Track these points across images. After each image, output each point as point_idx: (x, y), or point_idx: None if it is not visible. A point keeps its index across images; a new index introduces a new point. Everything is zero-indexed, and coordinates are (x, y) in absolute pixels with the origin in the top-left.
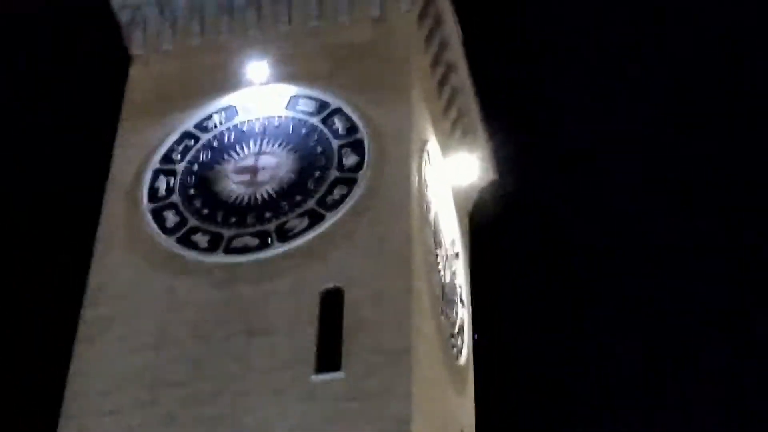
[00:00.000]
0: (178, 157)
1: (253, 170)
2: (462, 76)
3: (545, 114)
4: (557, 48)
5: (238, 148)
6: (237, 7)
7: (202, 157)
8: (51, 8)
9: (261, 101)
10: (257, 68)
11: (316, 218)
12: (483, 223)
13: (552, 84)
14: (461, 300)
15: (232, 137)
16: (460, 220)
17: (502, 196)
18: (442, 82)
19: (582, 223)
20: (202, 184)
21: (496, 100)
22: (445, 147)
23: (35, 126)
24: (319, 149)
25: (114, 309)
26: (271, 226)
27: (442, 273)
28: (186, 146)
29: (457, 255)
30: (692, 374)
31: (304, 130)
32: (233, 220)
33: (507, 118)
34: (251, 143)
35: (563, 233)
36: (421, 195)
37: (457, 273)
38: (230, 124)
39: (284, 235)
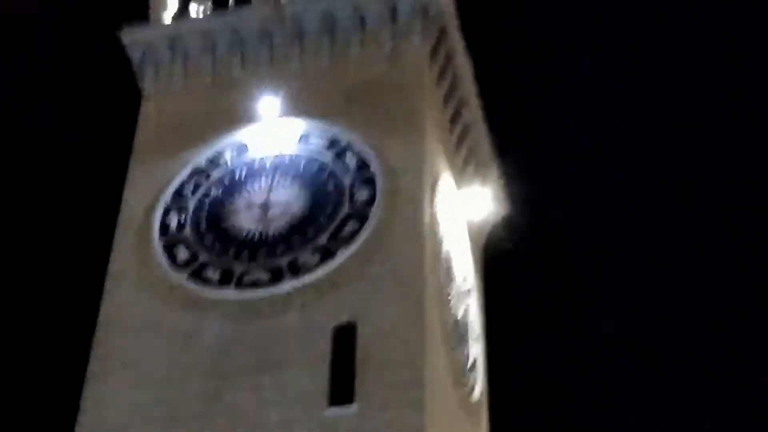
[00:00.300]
0: (190, 192)
1: (265, 206)
2: (474, 112)
3: (559, 147)
4: (574, 78)
5: (249, 184)
6: (249, 44)
7: (213, 192)
8: (62, 43)
9: (272, 137)
10: (269, 104)
11: (327, 254)
12: (496, 257)
13: (566, 117)
14: (474, 336)
15: (244, 173)
16: (474, 255)
17: (515, 230)
18: (455, 118)
19: (597, 254)
20: (213, 220)
21: (509, 133)
22: (458, 182)
23: (49, 166)
24: (330, 185)
25: (125, 345)
26: (283, 262)
27: (454, 309)
28: (197, 182)
29: (469, 291)
30: (693, 376)
31: (315, 166)
32: (244, 255)
33: (520, 151)
34: (262, 179)
35: (579, 267)
36: (434, 231)
37: (470, 308)
38: (241, 161)
39: (296, 270)
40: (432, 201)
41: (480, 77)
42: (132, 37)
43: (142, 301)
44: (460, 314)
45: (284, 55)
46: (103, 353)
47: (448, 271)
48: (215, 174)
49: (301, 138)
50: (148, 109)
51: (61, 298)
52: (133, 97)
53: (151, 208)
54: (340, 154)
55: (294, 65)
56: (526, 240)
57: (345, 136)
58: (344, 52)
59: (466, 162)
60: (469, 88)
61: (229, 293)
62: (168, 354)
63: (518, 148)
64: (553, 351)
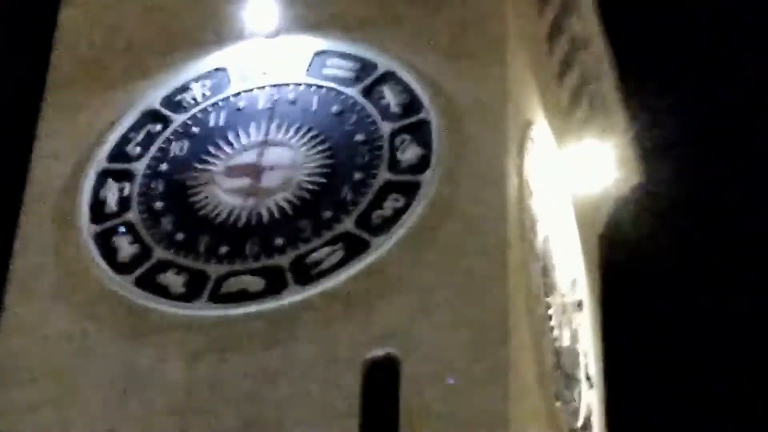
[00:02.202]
0: (137, 150)
1: (256, 171)
2: (588, 19)
3: (716, 81)
4: None
5: (231, 137)
6: None
7: (174, 150)
8: None
9: (267, 62)
10: (262, 11)
11: (355, 246)
12: (622, 252)
13: (722, 39)
14: (587, 375)
15: (222, 119)
16: (586, 249)
17: (652, 209)
18: (557, 29)
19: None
20: (174, 194)
21: (644, 58)
22: (562, 132)
23: None
24: (359, 137)
25: (38, 392)
26: (285, 260)
27: (556, 333)
28: (149, 133)
29: (580, 304)
30: None
31: (335, 107)
32: (224, 249)
33: (660, 86)
34: (252, 129)
35: (743, 264)
36: (523, 210)
37: (581, 332)
38: (219, 99)
39: (306, 273)
40: (520, 163)
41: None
42: None
43: (61, 323)
44: (565, 341)
45: None
46: (4, 402)
47: (547, 273)
48: (178, 120)
49: (312, 62)
50: (69, 18)
51: None
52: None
53: (75, 175)
54: (372, 88)
55: None
56: (668, 226)
57: (382, 60)
58: None
59: (574, 99)
60: None
61: (200, 310)
62: (102, 405)
63: (658, 84)
64: (707, 402)
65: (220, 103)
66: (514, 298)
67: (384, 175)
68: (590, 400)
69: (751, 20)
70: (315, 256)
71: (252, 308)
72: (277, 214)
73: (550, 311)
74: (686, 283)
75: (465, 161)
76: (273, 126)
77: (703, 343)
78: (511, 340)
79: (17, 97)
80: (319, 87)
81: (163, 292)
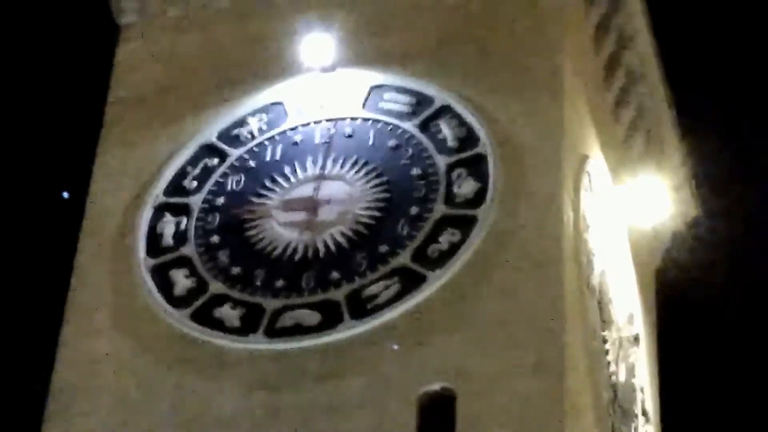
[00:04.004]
0: (194, 184)
1: (312, 205)
2: (645, 54)
3: None
4: None
5: (288, 171)
6: None
7: (231, 184)
8: None
9: (324, 97)
10: (317, 45)
11: (411, 280)
12: (679, 286)
13: None
14: (644, 410)
15: (279, 153)
16: (642, 283)
17: (709, 243)
18: (613, 64)
19: None
20: (231, 228)
21: (700, 91)
22: (618, 166)
23: None
24: (415, 171)
25: (95, 425)
26: (341, 294)
27: (613, 368)
28: (206, 167)
29: (636, 338)
30: None
31: (391, 141)
32: (280, 284)
33: (716, 120)
34: (308, 162)
35: None
36: (579, 244)
37: (638, 367)
38: (275, 133)
39: (361, 307)
40: (576, 197)
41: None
42: None
43: (118, 356)
44: (621, 375)
45: None
46: None
47: (603, 307)
48: (234, 154)
49: (369, 97)
50: (128, 52)
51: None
52: (106, 33)
53: (132, 208)
54: (429, 122)
55: None
56: (724, 260)
57: (438, 94)
58: None
59: (631, 133)
60: (637, 15)
61: (256, 344)
62: None
63: (715, 118)
64: None
65: (277, 137)
66: (571, 332)
67: (440, 208)
68: None
69: None
70: (371, 290)
71: (307, 342)
72: (333, 248)
73: (606, 346)
74: (743, 317)
75: (521, 195)
76: (329, 160)
77: (760, 378)
78: (567, 374)
79: (75, 132)
80: (376, 121)
81: (219, 325)
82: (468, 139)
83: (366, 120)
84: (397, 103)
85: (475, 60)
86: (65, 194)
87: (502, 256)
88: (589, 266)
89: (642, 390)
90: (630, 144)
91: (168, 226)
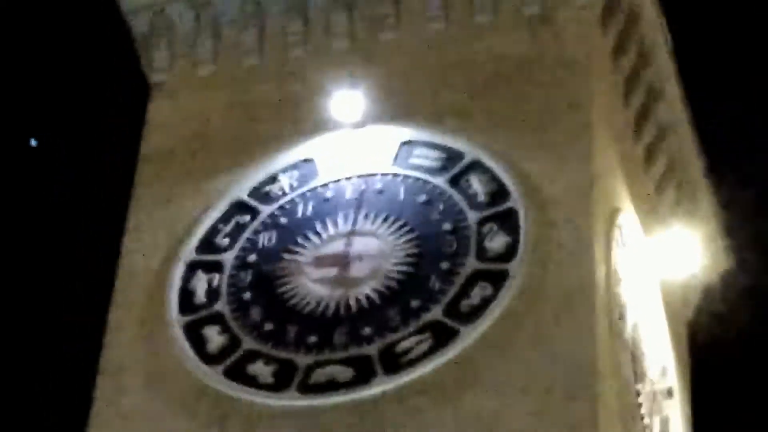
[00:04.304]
0: (226, 242)
1: (344, 261)
2: (674, 107)
3: None
4: None
5: (319, 227)
6: (316, 7)
7: (262, 241)
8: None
9: (354, 153)
10: (348, 101)
11: (444, 335)
12: (712, 339)
13: None
14: None
15: (310, 210)
16: (675, 336)
17: (741, 295)
18: (643, 116)
19: None
20: (263, 284)
21: (731, 143)
22: (649, 218)
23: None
24: (446, 226)
25: None
26: (374, 349)
27: (647, 421)
28: (238, 224)
29: (670, 392)
30: None
31: (422, 197)
32: (313, 339)
33: (747, 173)
34: (340, 219)
35: None
36: (612, 297)
37: (672, 420)
38: (306, 190)
39: (394, 362)
40: (609, 249)
41: (682, 51)
42: (134, 1)
43: (150, 412)
44: (655, 429)
45: (371, 22)
46: None
47: (637, 361)
48: (266, 210)
49: (398, 153)
50: (158, 110)
51: (31, 410)
52: (137, 91)
53: (165, 266)
54: (459, 177)
55: (387, 37)
56: (757, 313)
57: (468, 149)
58: (466, 16)
59: (661, 186)
60: (665, 67)
61: (290, 401)
62: None
63: (746, 171)
64: None
65: (308, 194)
66: (604, 388)
67: (472, 263)
68: None
69: None
70: (403, 345)
71: (341, 398)
72: (365, 304)
73: (640, 399)
74: None
75: (552, 249)
76: (360, 216)
77: None
78: (601, 429)
79: (107, 190)
80: (406, 177)
81: (252, 382)
82: (498, 193)
83: (396, 176)
84: (428, 158)
85: (504, 115)
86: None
87: (534, 311)
88: (621, 320)
89: None
90: (661, 196)
91: (200, 284)
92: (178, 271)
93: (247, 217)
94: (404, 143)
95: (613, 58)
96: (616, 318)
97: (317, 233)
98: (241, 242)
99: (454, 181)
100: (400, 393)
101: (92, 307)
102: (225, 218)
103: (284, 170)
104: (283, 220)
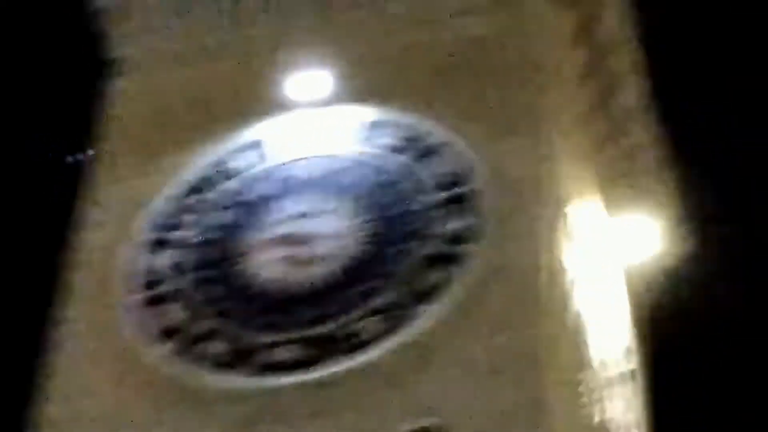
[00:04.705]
0: (182, 220)
1: (303, 240)
2: (634, 90)
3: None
4: None
5: (276, 207)
6: None
7: (221, 219)
8: None
9: (314, 133)
10: (309, 81)
11: (401, 316)
12: (670, 325)
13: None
14: None
15: (269, 188)
16: (633, 322)
17: (702, 281)
18: (602, 103)
19: None
20: (220, 263)
21: (690, 129)
22: (609, 202)
23: None
24: (404, 207)
25: None
26: (331, 329)
27: (606, 404)
28: (194, 203)
29: (629, 375)
30: None
31: (381, 177)
32: (269, 319)
33: (706, 157)
34: (299, 198)
35: None
36: (567, 282)
37: (632, 404)
38: (266, 168)
39: (352, 343)
40: (565, 233)
41: (648, 34)
42: None
43: (103, 393)
44: (615, 413)
45: (334, 3)
46: None
47: (590, 346)
48: (223, 189)
49: (359, 133)
50: (116, 85)
51: None
52: (93, 68)
53: (119, 243)
54: (421, 158)
55: (350, 20)
56: (717, 296)
57: (429, 131)
58: None
59: (618, 174)
60: (626, 52)
61: (247, 380)
62: None
63: (705, 158)
64: None
65: (266, 173)
66: (554, 373)
67: (431, 244)
68: None
69: None
70: (361, 325)
71: (298, 378)
72: (323, 284)
73: (593, 386)
74: (735, 353)
75: (512, 233)
76: (318, 196)
77: (754, 411)
78: (551, 415)
79: (61, 168)
80: (366, 157)
81: (207, 362)
82: (458, 175)
83: (356, 156)
84: (389, 138)
85: (468, 97)
86: None
87: (490, 295)
88: (577, 303)
89: (637, 427)
90: (620, 179)
91: (155, 262)
92: (133, 249)
93: (204, 196)
94: (366, 123)
95: (575, 43)
96: (572, 302)
97: (276, 212)
98: (196, 221)
99: (414, 163)
100: (357, 374)
101: (43, 284)
102: (181, 196)
103: (242, 149)
104: (240, 198)
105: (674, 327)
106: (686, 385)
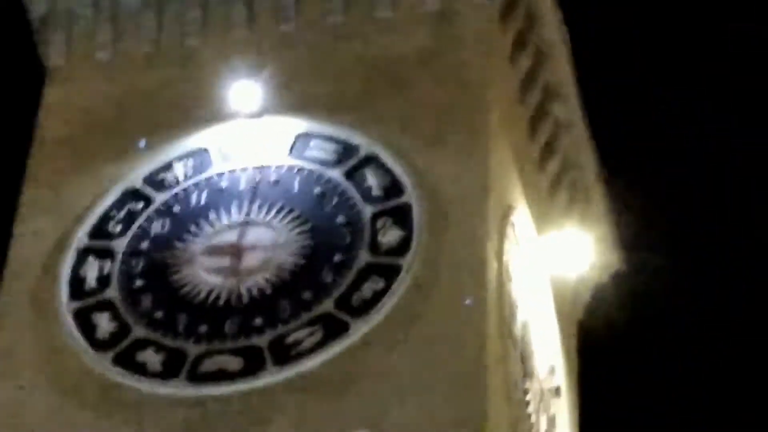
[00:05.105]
0: (118, 228)
1: (237, 251)
2: (570, 107)
3: (698, 171)
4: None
5: (212, 217)
6: None
7: (155, 229)
8: None
9: (250, 143)
10: (244, 92)
11: (335, 328)
12: (601, 338)
13: (704, 129)
14: None
15: (204, 199)
16: (564, 335)
17: (631, 297)
18: (539, 115)
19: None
20: (154, 273)
21: (626, 145)
22: (542, 216)
23: None
24: (340, 219)
25: None
26: (264, 340)
27: (534, 419)
28: (130, 212)
29: (557, 391)
30: None
31: (317, 189)
32: (203, 329)
33: (640, 173)
34: (233, 209)
35: (722, 351)
36: (503, 294)
37: (559, 419)
38: (200, 179)
39: (284, 354)
40: (500, 248)
41: (580, 52)
42: None
43: (37, 397)
44: (542, 427)
45: (269, 15)
46: None
47: (525, 359)
48: (159, 199)
49: (294, 145)
50: (54, 94)
51: None
52: (33, 77)
53: (56, 251)
54: (355, 171)
55: (285, 29)
56: (647, 313)
57: (364, 143)
58: (366, 10)
59: (555, 185)
60: (563, 69)
61: (178, 389)
62: None
63: (639, 172)
64: None
65: (202, 183)
66: (492, 384)
67: (365, 257)
68: None
69: (731, 113)
70: (294, 337)
71: (230, 388)
72: (256, 295)
73: (528, 397)
74: (664, 370)
75: (445, 245)
76: (254, 207)
77: (682, 428)
78: (488, 426)
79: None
80: (302, 169)
81: (141, 370)
82: (393, 188)
83: (292, 167)
84: (323, 151)
85: (401, 110)
86: None
87: (425, 306)
88: (512, 317)
89: None
90: (555, 195)
91: (91, 270)
92: (70, 257)
93: (140, 205)
94: (300, 135)
95: (512, 56)
96: (507, 315)
97: (210, 223)
98: (133, 229)
99: (349, 175)
100: (289, 385)
101: None
102: (118, 205)
103: (179, 158)
104: (176, 208)
105: (602, 344)
106: (611, 403)
